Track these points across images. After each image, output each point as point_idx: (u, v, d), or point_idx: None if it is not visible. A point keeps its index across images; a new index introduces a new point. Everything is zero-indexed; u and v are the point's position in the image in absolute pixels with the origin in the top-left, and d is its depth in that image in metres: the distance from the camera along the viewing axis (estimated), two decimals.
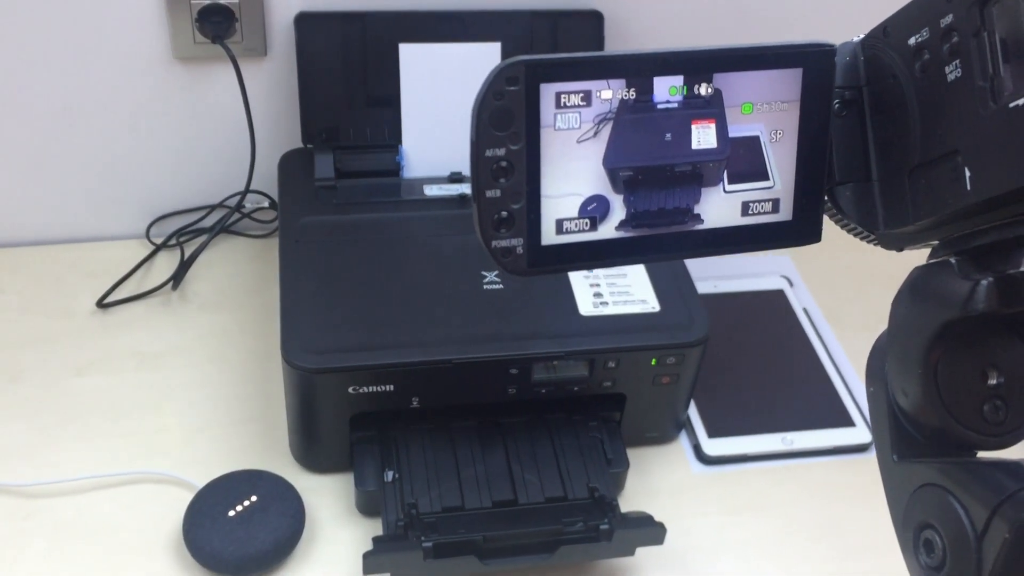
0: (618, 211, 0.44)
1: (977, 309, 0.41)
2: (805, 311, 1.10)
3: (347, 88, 1.05)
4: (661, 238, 0.45)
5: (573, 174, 0.43)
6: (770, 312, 1.10)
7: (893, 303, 0.45)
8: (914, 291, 0.44)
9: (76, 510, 0.86)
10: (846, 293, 1.12)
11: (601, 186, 0.43)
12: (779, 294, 1.12)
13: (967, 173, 0.39)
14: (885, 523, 0.47)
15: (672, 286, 0.91)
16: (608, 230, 0.44)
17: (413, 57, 1.01)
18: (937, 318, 0.42)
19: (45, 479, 0.88)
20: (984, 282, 0.41)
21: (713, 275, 1.11)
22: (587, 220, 0.44)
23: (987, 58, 0.38)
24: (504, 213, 0.42)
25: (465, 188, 1.02)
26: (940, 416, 0.44)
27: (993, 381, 0.44)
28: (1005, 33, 0.38)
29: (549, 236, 0.43)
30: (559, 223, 0.43)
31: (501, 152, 0.41)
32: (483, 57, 1.02)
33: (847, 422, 0.98)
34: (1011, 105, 0.37)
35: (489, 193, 0.42)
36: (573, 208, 0.43)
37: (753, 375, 1.02)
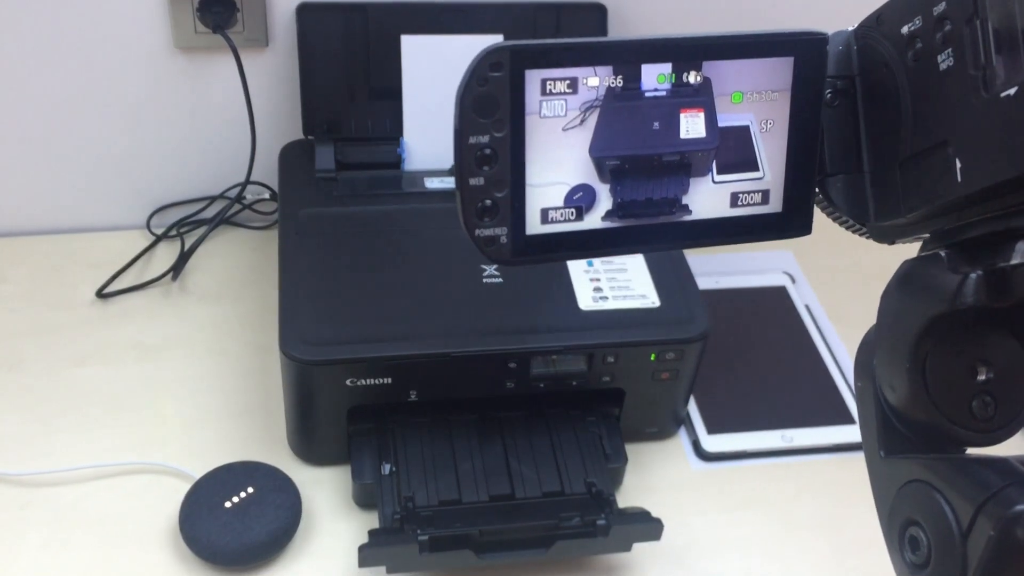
0: (604, 201, 0.43)
1: (966, 303, 0.40)
2: (807, 308, 1.09)
3: (348, 79, 1.04)
4: (648, 229, 0.44)
5: (558, 163, 0.42)
6: (772, 308, 1.09)
7: (882, 296, 0.45)
8: (903, 284, 0.44)
9: (73, 500, 0.86)
10: (848, 290, 1.11)
11: (587, 175, 0.43)
12: (781, 290, 1.11)
13: (958, 164, 0.39)
14: None
15: (673, 281, 0.90)
16: (594, 220, 0.43)
17: (415, 49, 1.00)
18: (926, 312, 0.42)
19: (43, 468, 0.87)
20: (973, 276, 0.40)
21: (715, 271, 1.10)
22: (573, 210, 0.43)
23: (979, 47, 0.38)
24: (488, 201, 0.42)
25: None
26: (928, 412, 0.43)
27: (982, 377, 0.43)
28: (998, 22, 0.37)
29: (534, 225, 0.43)
30: (544, 212, 0.43)
31: (485, 139, 0.41)
32: None
33: (847, 419, 0.97)
34: (1003, 95, 0.37)
35: (472, 181, 0.41)
36: (558, 197, 0.43)
37: (753, 371, 1.01)
